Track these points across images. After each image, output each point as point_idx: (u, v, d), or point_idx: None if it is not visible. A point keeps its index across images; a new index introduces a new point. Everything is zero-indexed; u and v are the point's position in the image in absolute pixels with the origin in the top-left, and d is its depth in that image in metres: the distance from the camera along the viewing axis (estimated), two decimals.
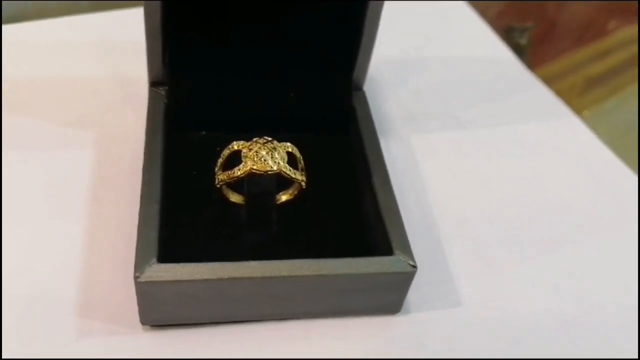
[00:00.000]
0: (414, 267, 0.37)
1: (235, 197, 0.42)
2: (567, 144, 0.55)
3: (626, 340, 0.41)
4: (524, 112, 0.58)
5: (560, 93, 0.62)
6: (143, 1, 0.41)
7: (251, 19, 0.45)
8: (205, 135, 0.47)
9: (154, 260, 0.35)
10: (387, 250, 0.38)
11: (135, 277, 0.34)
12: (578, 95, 1.24)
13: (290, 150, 0.40)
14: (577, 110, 0.60)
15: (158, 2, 0.41)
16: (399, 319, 0.40)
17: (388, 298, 0.39)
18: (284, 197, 0.42)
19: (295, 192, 0.42)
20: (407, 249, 0.38)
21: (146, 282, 0.34)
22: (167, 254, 0.36)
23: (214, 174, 0.41)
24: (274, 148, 0.39)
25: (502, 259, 0.45)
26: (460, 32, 0.67)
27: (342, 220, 0.42)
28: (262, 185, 0.41)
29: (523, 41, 1.05)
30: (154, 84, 0.46)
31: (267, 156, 0.39)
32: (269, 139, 0.40)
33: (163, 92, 0.46)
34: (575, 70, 1.25)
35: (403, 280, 0.38)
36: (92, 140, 0.49)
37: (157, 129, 0.43)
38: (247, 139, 0.45)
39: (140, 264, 0.35)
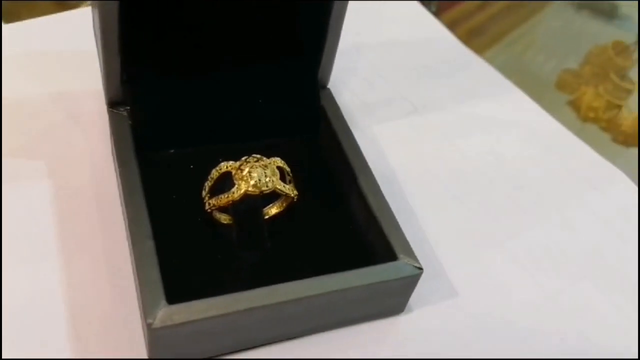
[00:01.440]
0: (420, 269, 0.38)
1: (222, 217, 0.40)
2: (514, 116, 0.58)
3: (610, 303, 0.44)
4: (469, 89, 0.60)
5: None
6: (99, 20, 0.38)
7: (211, 26, 0.43)
8: (174, 153, 0.44)
9: (164, 302, 0.33)
10: (389, 255, 0.38)
11: (149, 324, 0.33)
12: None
13: (280, 165, 0.39)
14: None
15: (115, 21, 0.38)
16: (403, 318, 0.41)
17: (394, 301, 0.40)
18: (273, 210, 0.41)
19: (285, 204, 0.41)
20: (410, 252, 0.38)
21: (161, 328, 0.33)
22: (171, 292, 0.34)
23: (201, 198, 0.40)
24: (265, 166, 0.38)
25: (484, 239, 0.46)
26: (394, 14, 0.67)
27: (334, 227, 0.42)
28: (248, 202, 0.39)
29: (432, 9, 1.07)
30: (112, 104, 0.43)
31: (261, 176, 0.37)
32: (258, 156, 0.39)
33: (125, 113, 0.43)
34: (458, 24, 1.30)
35: (409, 283, 0.38)
36: (45, 170, 0.45)
37: (130, 156, 0.40)
38: (220, 152, 0.44)
39: (150, 309, 0.33)
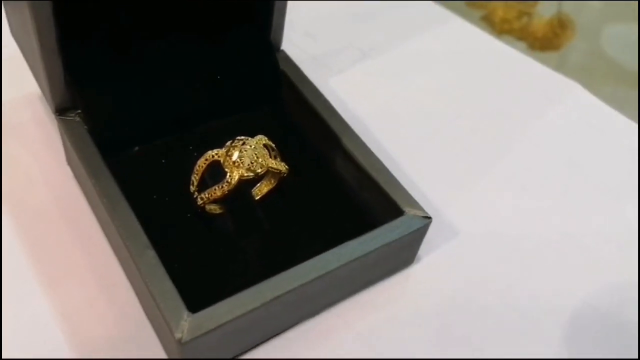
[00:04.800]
0: (429, 218, 0.37)
1: (212, 208, 0.38)
2: (461, 45, 0.57)
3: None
4: (410, 25, 0.58)
5: None
6: (32, 22, 0.33)
7: (153, 3, 0.39)
8: (139, 150, 0.41)
9: (187, 312, 0.31)
10: (394, 210, 0.37)
11: (178, 339, 0.30)
12: None
13: (265, 142, 0.37)
14: None
15: (51, 20, 0.34)
16: (415, 268, 0.40)
17: (405, 254, 0.39)
18: (264, 189, 0.39)
19: (274, 180, 0.39)
20: (414, 203, 0.38)
21: (191, 340, 0.30)
22: (188, 299, 0.32)
23: (189, 193, 0.37)
24: (253, 147, 0.36)
25: (465, 173, 0.47)
26: None
27: (328, 194, 0.40)
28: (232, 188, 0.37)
29: None
30: (60, 111, 0.39)
31: (252, 158, 0.35)
32: (243, 138, 0.36)
33: (78, 118, 0.39)
34: None
35: (420, 234, 0.38)
36: None
37: (99, 164, 0.36)
38: (184, 140, 0.42)
39: (175, 322, 0.31)
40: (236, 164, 0.35)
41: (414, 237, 0.37)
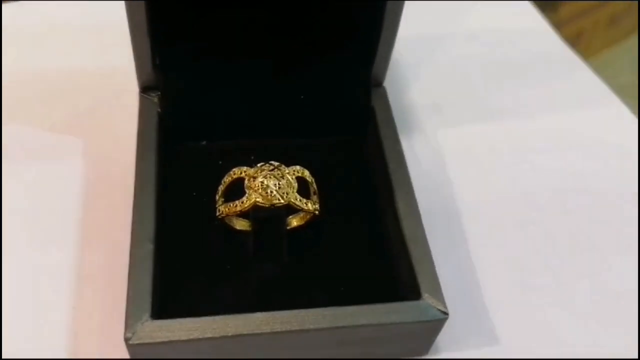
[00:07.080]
0: (445, 314, 0.33)
1: (240, 224, 0.37)
2: (609, 134, 0.49)
3: None
4: (565, 97, 0.51)
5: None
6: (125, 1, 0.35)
7: (251, 9, 0.39)
8: (205, 146, 0.41)
9: (147, 316, 0.31)
10: (414, 291, 0.33)
11: (126, 339, 0.30)
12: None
13: (300, 174, 0.35)
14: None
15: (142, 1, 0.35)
16: None
17: (414, 343, 0.35)
18: (294, 222, 0.37)
19: (307, 217, 0.37)
20: (437, 291, 0.33)
21: (138, 345, 0.30)
22: (163, 304, 0.32)
23: (215, 202, 0.36)
24: (282, 176, 0.34)
25: (542, 280, 0.40)
26: (493, 8, 0.58)
27: (360, 249, 0.37)
28: (270, 210, 0.35)
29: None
30: (145, 89, 0.40)
31: (273, 187, 0.33)
32: (276, 164, 0.35)
33: (156, 99, 0.40)
34: (592, 10, 1.16)
35: (432, 328, 0.33)
36: (81, 148, 0.44)
37: (149, 147, 0.38)
38: (254, 148, 0.41)
39: (131, 322, 0.30)
40: (255, 188, 0.33)
41: (422, 327, 0.33)
